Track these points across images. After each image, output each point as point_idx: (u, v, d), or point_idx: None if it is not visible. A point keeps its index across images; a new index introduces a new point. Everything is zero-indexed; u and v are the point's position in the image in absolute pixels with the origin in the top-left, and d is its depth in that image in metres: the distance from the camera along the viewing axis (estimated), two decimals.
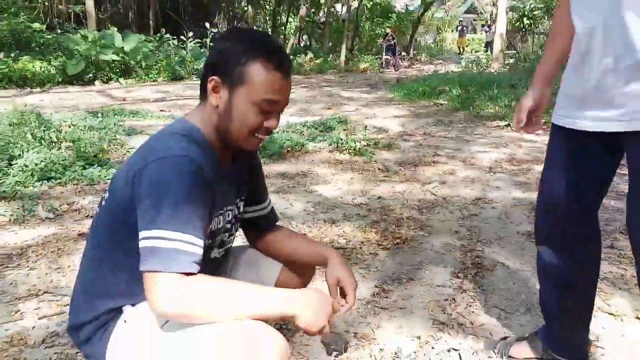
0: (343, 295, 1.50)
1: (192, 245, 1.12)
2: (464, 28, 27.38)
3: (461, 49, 26.12)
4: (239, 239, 1.65)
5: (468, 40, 27.95)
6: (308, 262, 1.61)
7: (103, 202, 1.33)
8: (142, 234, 1.12)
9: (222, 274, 1.57)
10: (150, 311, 1.22)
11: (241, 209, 1.53)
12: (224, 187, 1.34)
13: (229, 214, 1.43)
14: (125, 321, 1.27)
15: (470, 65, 15.44)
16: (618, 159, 1.54)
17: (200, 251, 1.14)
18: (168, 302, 1.08)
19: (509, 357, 1.82)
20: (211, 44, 13.22)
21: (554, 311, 1.77)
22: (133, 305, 1.30)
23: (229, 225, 1.46)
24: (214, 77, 1.25)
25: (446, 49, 30.56)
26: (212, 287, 1.13)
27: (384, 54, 18.50)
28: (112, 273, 1.29)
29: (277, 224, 1.68)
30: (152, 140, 1.28)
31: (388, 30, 19.86)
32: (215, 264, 1.46)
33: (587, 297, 1.73)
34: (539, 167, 4.53)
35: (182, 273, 1.09)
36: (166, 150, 1.18)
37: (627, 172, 1.43)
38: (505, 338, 1.92)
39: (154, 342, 1.22)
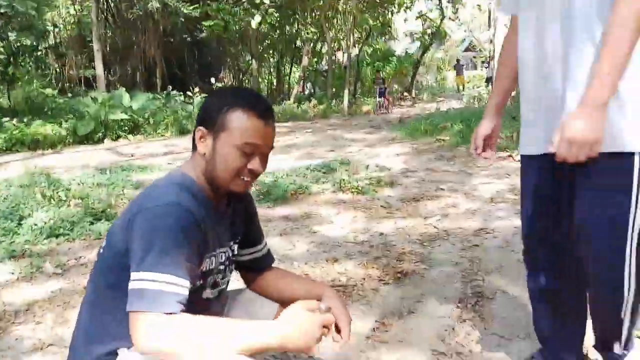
0: (338, 330, 1.52)
1: (176, 285, 1.17)
2: (461, 66, 27.03)
3: (460, 87, 25.68)
4: (236, 283, 1.69)
5: (468, 77, 28.12)
6: (303, 299, 1.64)
7: (101, 250, 1.40)
8: (132, 276, 1.18)
9: (216, 315, 1.60)
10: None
11: (235, 251, 1.58)
12: (217, 230, 1.41)
13: (222, 256, 1.48)
14: None
15: (471, 101, 15.61)
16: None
17: (185, 291, 1.19)
18: (149, 341, 1.12)
19: None
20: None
21: (547, 333, 1.78)
22: (128, 348, 1.34)
23: (222, 267, 1.50)
24: (200, 127, 1.36)
25: (447, 87, 30.95)
26: (193, 325, 1.16)
27: (377, 97, 18.75)
28: (108, 316, 1.34)
29: (272, 265, 1.72)
30: (147, 189, 1.37)
31: (377, 75, 20.51)
32: (208, 304, 1.49)
33: (580, 317, 1.75)
34: None
35: (164, 313, 1.14)
36: (159, 198, 1.27)
37: None
38: None
39: None
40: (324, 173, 6.24)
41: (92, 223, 4.28)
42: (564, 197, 1.59)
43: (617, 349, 1.71)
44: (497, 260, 3.12)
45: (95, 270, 1.41)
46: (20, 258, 3.55)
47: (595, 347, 1.80)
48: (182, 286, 1.18)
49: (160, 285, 1.15)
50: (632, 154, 1.39)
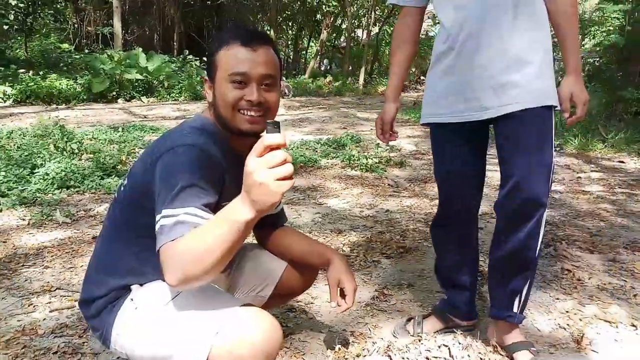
0: (343, 296, 1.57)
1: (193, 216, 1.14)
2: None
3: None
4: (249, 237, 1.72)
5: None
6: (312, 262, 1.67)
7: (122, 187, 1.44)
8: (157, 217, 1.18)
9: (229, 267, 1.65)
10: (156, 291, 1.32)
11: None
12: (237, 179, 1.42)
13: None
14: (132, 299, 1.36)
15: None
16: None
17: (201, 221, 1.14)
18: (169, 275, 1.10)
19: (425, 333, 2.00)
20: None
21: (454, 281, 2.00)
22: (141, 285, 1.39)
23: None
24: (205, 77, 1.40)
25: None
26: (190, 241, 1.09)
27: None
28: (124, 251, 1.38)
29: (284, 224, 1.76)
30: (168, 133, 1.40)
31: None
32: None
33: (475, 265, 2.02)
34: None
35: (171, 240, 1.12)
36: (179, 140, 1.29)
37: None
38: (410, 319, 2.08)
39: (156, 321, 1.30)
40: (334, 148, 6.26)
41: (102, 178, 4.35)
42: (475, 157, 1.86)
43: (515, 307, 1.82)
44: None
45: (114, 206, 1.45)
46: (31, 205, 3.62)
47: (492, 313, 1.89)
48: (198, 216, 1.15)
49: (176, 217, 1.14)
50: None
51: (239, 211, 1.03)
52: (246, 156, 1.36)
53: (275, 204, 1.00)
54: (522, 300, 1.81)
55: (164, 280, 1.24)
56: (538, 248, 1.76)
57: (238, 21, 22.57)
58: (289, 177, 0.98)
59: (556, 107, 1.70)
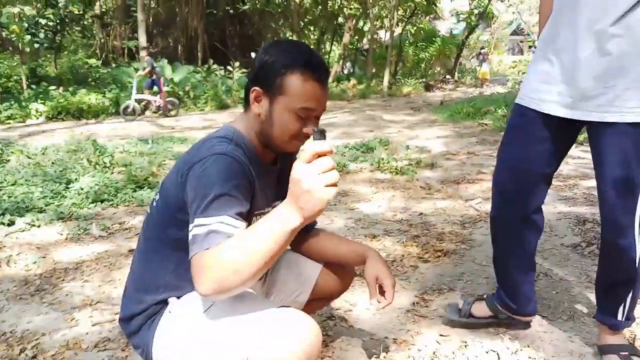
0: (382, 292, 1.55)
1: (226, 225, 1.13)
2: (484, 57, 22.05)
3: (481, 83, 21.19)
4: None
5: (514, 62, 26.17)
6: (347, 261, 1.66)
7: (154, 203, 1.43)
8: (190, 227, 1.18)
9: (262, 275, 1.63)
10: (192, 301, 1.31)
11: None
12: (264, 189, 1.42)
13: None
14: (170, 312, 1.35)
15: (517, 86, 15.23)
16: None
17: (235, 231, 1.13)
18: (201, 284, 1.09)
19: (472, 316, 2.04)
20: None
21: (505, 275, 1.98)
22: (179, 297, 1.38)
23: None
24: (255, 87, 1.34)
25: (492, 70, 30.22)
26: (227, 250, 1.08)
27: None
28: (160, 266, 1.38)
29: (316, 227, 1.73)
30: (198, 143, 1.38)
31: None
32: None
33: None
34: (586, 183, 4.45)
35: (205, 249, 1.10)
36: (210, 151, 1.27)
37: None
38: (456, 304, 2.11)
39: (194, 331, 1.29)
40: (362, 152, 6.23)
41: (134, 190, 4.40)
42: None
43: (620, 315, 1.81)
44: (540, 244, 3.03)
45: (148, 222, 1.45)
46: (67, 220, 3.67)
47: (596, 316, 1.89)
48: (232, 226, 1.14)
49: (209, 226, 1.13)
50: None
51: (286, 219, 1.02)
52: (269, 163, 1.42)
53: (322, 210, 0.99)
54: (626, 308, 1.81)
55: None
56: (637, 259, 1.72)
57: (261, 29, 22.74)
58: (335, 184, 0.98)
59: None
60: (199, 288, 1.09)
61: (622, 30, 1.52)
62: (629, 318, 1.84)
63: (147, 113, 11.67)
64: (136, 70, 12.99)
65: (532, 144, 1.77)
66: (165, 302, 1.38)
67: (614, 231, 1.71)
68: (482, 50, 22.83)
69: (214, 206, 1.17)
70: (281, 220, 1.03)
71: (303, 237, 1.70)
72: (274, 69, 1.31)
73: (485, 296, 2.10)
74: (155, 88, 11.53)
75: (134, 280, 1.45)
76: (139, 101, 11.16)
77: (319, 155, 0.97)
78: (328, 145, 0.97)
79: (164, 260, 1.39)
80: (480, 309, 2.06)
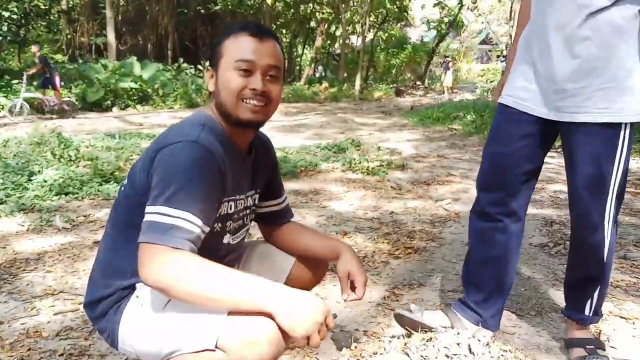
0: (353, 288, 1.54)
1: (190, 223, 1.15)
2: (447, 65, 21.62)
3: (446, 90, 20.80)
4: (256, 234, 1.68)
5: (483, 70, 26.58)
6: (321, 255, 1.63)
7: (122, 188, 1.39)
8: (147, 209, 1.17)
9: (234, 264, 1.60)
10: None
11: (256, 202, 1.56)
12: (238, 176, 1.39)
13: (241, 203, 1.46)
14: (137, 297, 1.31)
15: (485, 93, 15.53)
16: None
17: (197, 230, 1.16)
18: (150, 274, 1.11)
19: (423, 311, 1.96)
20: None
21: (476, 280, 1.94)
22: None
23: (241, 214, 1.48)
24: (208, 67, 1.37)
25: (461, 78, 30.76)
26: (196, 266, 1.12)
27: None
28: (127, 251, 1.33)
29: (291, 220, 1.71)
30: (169, 128, 1.35)
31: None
32: (229, 248, 1.49)
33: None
34: (552, 187, 4.54)
35: (171, 247, 1.12)
36: (180, 137, 1.24)
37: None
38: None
39: (162, 315, 1.25)
40: (334, 152, 6.23)
41: (100, 184, 4.29)
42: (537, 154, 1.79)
43: (587, 311, 1.84)
44: None
45: (116, 206, 1.40)
46: (29, 211, 3.55)
47: (564, 312, 1.92)
48: (194, 224, 1.15)
49: (172, 219, 1.13)
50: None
51: (267, 299, 1.11)
52: (243, 150, 1.41)
53: (293, 331, 1.10)
54: (593, 303, 1.84)
55: None
56: (605, 256, 1.75)
57: None
58: (321, 339, 1.13)
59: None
60: (146, 275, 1.12)
61: (590, 32, 1.55)
62: (596, 313, 1.87)
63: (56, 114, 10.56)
64: (104, 66, 12.75)
65: (512, 141, 1.78)
66: (132, 287, 1.34)
67: (584, 228, 1.74)
68: (446, 59, 23.06)
69: (179, 197, 1.15)
70: (264, 294, 1.12)
71: (277, 228, 1.68)
72: (216, 44, 1.35)
73: (443, 307, 2.06)
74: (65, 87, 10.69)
75: (100, 265, 1.40)
76: (29, 100, 10.33)
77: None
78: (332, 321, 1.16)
79: (130, 245, 1.33)
80: (435, 318, 1.95)
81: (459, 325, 1.92)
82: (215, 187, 1.25)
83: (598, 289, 1.83)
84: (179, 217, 1.14)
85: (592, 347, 1.83)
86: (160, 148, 1.24)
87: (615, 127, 1.61)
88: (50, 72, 10.41)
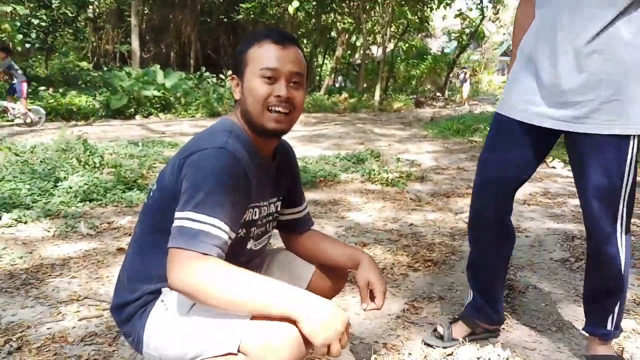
0: (372, 297, 1.55)
1: (218, 229, 1.18)
2: (465, 77, 21.84)
3: (464, 102, 21.01)
4: (277, 243, 1.70)
5: (500, 82, 26.09)
6: (340, 264, 1.65)
7: (151, 193, 1.43)
8: (176, 215, 1.21)
9: (256, 269, 1.62)
10: None
11: (278, 208, 1.59)
12: (262, 182, 1.42)
13: (264, 209, 1.49)
14: (162, 301, 1.34)
15: None
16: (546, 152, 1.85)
17: (225, 236, 1.20)
18: (179, 278, 1.15)
19: (453, 339, 1.99)
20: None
21: (482, 283, 2.02)
22: None
23: (264, 220, 1.51)
24: (232, 75, 1.41)
25: (482, 90, 30.56)
26: (223, 272, 1.15)
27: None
28: (154, 256, 1.36)
29: (312, 228, 1.74)
30: (196, 136, 1.39)
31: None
32: (252, 254, 1.52)
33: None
34: (574, 201, 4.49)
35: (200, 252, 1.15)
36: (208, 143, 1.28)
37: None
38: (435, 329, 2.05)
39: (186, 319, 1.28)
40: (353, 163, 6.24)
41: (124, 191, 4.37)
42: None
43: (609, 325, 1.85)
44: (529, 258, 3.08)
45: (144, 211, 1.44)
46: (55, 217, 3.63)
47: (586, 328, 1.93)
48: (222, 230, 1.19)
49: (201, 225, 1.17)
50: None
51: (291, 305, 1.14)
52: (267, 157, 1.45)
53: (314, 337, 1.12)
54: (614, 318, 1.85)
55: None
56: (622, 267, 1.77)
57: None
58: (341, 347, 1.15)
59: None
60: (174, 279, 1.15)
61: (598, 47, 1.58)
62: (617, 328, 1.88)
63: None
64: (128, 74, 12.96)
65: (509, 150, 1.82)
66: (158, 292, 1.38)
67: (599, 241, 1.76)
68: (464, 70, 22.94)
69: (208, 203, 1.19)
70: (288, 300, 1.14)
71: (298, 236, 1.70)
72: (240, 52, 1.39)
73: (459, 315, 2.11)
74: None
75: (127, 269, 1.44)
76: None
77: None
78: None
79: (157, 250, 1.36)
80: (458, 330, 2.04)
81: (478, 330, 2.03)
82: (242, 194, 1.29)
83: (618, 303, 1.84)
84: (207, 223, 1.18)
85: None
86: (189, 154, 1.28)
87: (624, 138, 1.63)
88: (17, 78, 9.72)
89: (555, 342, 2.07)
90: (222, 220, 1.20)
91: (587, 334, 1.94)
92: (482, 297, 2.02)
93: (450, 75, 25.44)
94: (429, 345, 1.99)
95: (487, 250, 1.98)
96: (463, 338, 2.00)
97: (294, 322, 1.13)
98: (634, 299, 2.51)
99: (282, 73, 1.33)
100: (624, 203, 1.70)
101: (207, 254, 1.16)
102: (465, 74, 21.62)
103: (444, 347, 1.96)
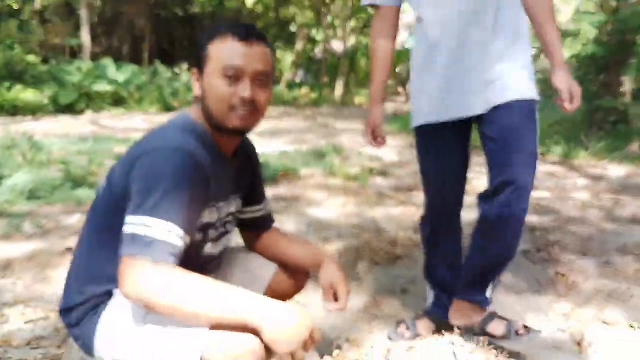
0: (335, 299, 1.51)
1: (172, 234, 1.11)
2: None
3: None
4: (237, 240, 1.64)
5: None
6: (302, 265, 1.60)
7: (100, 191, 1.34)
8: (127, 219, 1.13)
9: (215, 271, 1.54)
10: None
11: (239, 207, 1.52)
12: (221, 181, 1.35)
13: (224, 210, 1.42)
14: (114, 305, 1.26)
15: None
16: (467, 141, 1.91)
17: (180, 242, 1.12)
18: (133, 287, 1.07)
19: (417, 335, 1.97)
20: None
21: (441, 280, 2.02)
22: None
23: (223, 221, 1.44)
24: (193, 69, 1.32)
25: None
26: (180, 280, 1.08)
27: None
28: (104, 258, 1.28)
29: (273, 226, 1.67)
30: (151, 132, 1.31)
31: None
32: (210, 259, 1.44)
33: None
34: (538, 193, 4.53)
35: (155, 261, 1.08)
36: (162, 141, 1.21)
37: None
38: (400, 322, 2.05)
39: (141, 325, 1.20)
40: (314, 158, 6.17)
41: (73, 189, 4.17)
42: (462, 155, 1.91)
43: (489, 293, 1.88)
44: None
45: (92, 211, 1.36)
46: None
47: (461, 297, 1.91)
48: (177, 236, 1.12)
49: (154, 231, 1.09)
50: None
51: (249, 315, 1.07)
52: (228, 155, 1.37)
53: (277, 343, 1.07)
54: (494, 286, 1.90)
55: None
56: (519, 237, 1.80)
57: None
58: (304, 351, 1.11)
59: (539, 101, 1.76)
60: (128, 289, 1.07)
61: (488, 34, 1.71)
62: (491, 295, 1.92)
63: None
64: (79, 69, 12.51)
65: (441, 154, 1.88)
66: (109, 294, 1.28)
67: (510, 204, 1.70)
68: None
69: (162, 207, 1.11)
70: (248, 310, 1.08)
71: (259, 235, 1.64)
72: (202, 46, 1.29)
73: (423, 311, 2.10)
74: None
75: (75, 271, 1.35)
76: None
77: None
78: None
79: (108, 251, 1.27)
80: (423, 326, 2.03)
81: (444, 325, 1.98)
82: (199, 196, 1.21)
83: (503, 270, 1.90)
84: (161, 229, 1.10)
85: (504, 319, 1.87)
86: (142, 154, 1.19)
87: (522, 104, 1.70)
88: None
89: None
90: (178, 224, 1.12)
91: (461, 302, 1.91)
92: (443, 293, 2.02)
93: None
94: (392, 340, 1.96)
95: (443, 249, 2.01)
96: (428, 334, 1.99)
97: (255, 332, 1.07)
98: (592, 288, 2.54)
99: (246, 73, 1.25)
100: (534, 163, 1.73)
101: (162, 262, 1.08)
102: None
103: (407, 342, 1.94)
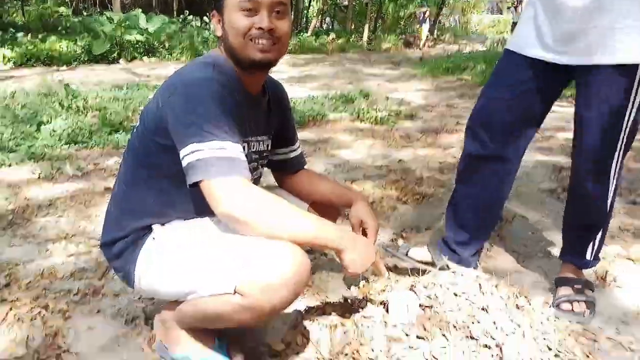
0: (365, 234, 1.57)
1: (237, 151, 1.18)
2: (424, 17, 19.57)
3: (422, 44, 18.64)
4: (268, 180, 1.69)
5: (494, 21, 25.11)
6: (334, 202, 1.66)
7: (135, 130, 1.39)
8: (182, 152, 1.17)
9: None
10: (178, 229, 1.29)
11: (268, 147, 1.56)
12: (250, 118, 1.38)
13: (254, 146, 1.46)
14: (154, 238, 1.33)
15: (495, 45, 15.18)
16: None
17: (243, 156, 1.20)
18: (234, 205, 1.14)
19: (409, 257, 2.01)
20: None
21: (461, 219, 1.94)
22: (163, 224, 1.35)
23: (255, 156, 1.48)
24: (214, 12, 1.34)
25: (471, 30, 29.95)
26: (274, 201, 1.19)
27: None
28: (143, 193, 1.34)
29: (305, 167, 1.72)
30: (180, 69, 1.34)
31: None
32: None
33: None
34: (563, 134, 4.48)
35: (242, 178, 1.16)
36: (192, 75, 1.25)
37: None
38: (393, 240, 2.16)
39: (179, 256, 1.27)
40: (342, 102, 6.16)
41: (110, 133, 4.29)
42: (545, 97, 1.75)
43: (588, 255, 1.83)
44: (516, 188, 3.08)
45: (128, 150, 1.41)
46: (40, 160, 3.57)
47: (563, 257, 1.91)
48: (241, 152, 1.20)
49: (225, 152, 1.15)
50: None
51: (335, 237, 1.25)
52: (254, 93, 1.40)
53: (356, 269, 1.30)
54: (595, 248, 1.83)
55: (185, 219, 1.23)
56: (609, 205, 1.73)
57: None
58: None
59: None
60: (224, 207, 1.15)
61: None
62: (596, 258, 1.87)
63: None
64: (110, 19, 12.54)
65: (513, 86, 1.73)
66: (148, 228, 1.36)
67: (589, 177, 1.69)
68: (422, 9, 21.87)
69: (211, 130, 1.15)
70: (333, 233, 1.25)
71: (291, 175, 1.69)
72: None
73: (429, 244, 2.07)
74: None
75: (115, 206, 1.42)
76: None
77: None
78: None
79: (146, 186, 1.35)
80: (419, 253, 2.02)
81: (441, 263, 1.94)
82: (238, 119, 1.26)
83: (600, 233, 1.81)
84: (223, 148, 1.16)
85: (580, 286, 1.83)
86: (176, 88, 1.23)
87: (630, 68, 1.51)
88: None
89: (542, 268, 2.10)
90: (235, 142, 1.19)
91: (563, 262, 1.92)
92: (456, 236, 1.95)
93: (440, 15, 24.83)
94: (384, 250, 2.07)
95: (475, 190, 1.89)
96: (420, 261, 1.98)
97: (338, 251, 1.26)
98: (619, 226, 2.55)
99: (262, 4, 1.27)
100: (624, 140, 1.62)
101: (247, 180, 1.18)
102: (425, 13, 20.63)
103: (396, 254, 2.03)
